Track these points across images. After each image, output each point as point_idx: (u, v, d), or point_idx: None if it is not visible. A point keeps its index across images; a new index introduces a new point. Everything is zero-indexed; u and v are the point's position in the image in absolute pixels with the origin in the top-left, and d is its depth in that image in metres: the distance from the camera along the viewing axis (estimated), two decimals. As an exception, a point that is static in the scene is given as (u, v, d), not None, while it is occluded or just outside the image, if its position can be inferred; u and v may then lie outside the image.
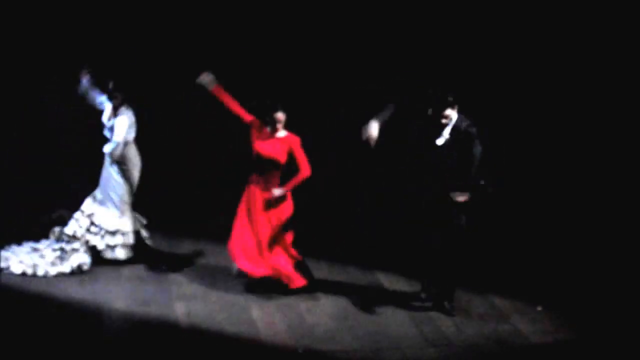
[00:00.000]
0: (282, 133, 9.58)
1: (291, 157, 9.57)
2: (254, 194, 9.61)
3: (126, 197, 10.16)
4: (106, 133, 10.13)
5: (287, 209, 9.63)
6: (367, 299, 9.49)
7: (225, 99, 9.64)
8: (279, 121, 9.54)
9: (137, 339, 8.65)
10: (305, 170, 9.53)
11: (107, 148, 10.04)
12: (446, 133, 9.01)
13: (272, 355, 8.47)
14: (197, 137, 12.02)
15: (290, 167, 9.59)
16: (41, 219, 11.08)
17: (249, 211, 9.63)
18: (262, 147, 9.56)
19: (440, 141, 9.02)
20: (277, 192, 9.55)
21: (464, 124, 8.97)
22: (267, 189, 9.59)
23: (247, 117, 9.62)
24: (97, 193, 10.21)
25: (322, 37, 11.90)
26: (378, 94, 11.94)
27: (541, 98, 11.56)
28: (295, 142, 9.57)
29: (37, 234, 10.46)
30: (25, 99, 11.85)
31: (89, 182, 11.09)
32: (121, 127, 9.94)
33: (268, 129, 9.59)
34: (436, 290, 9.27)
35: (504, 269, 9.95)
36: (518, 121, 11.38)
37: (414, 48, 11.82)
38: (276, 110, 9.53)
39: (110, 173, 10.12)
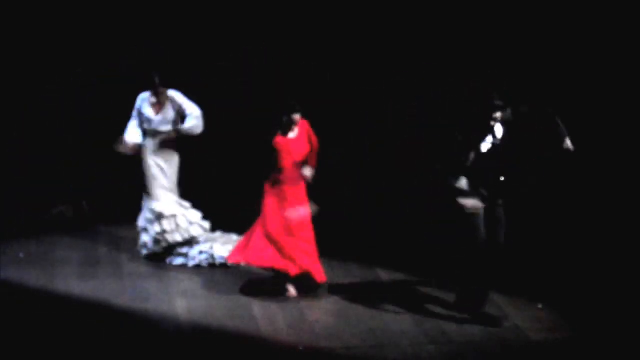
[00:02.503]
0: (296, 131, 9.57)
1: None
2: (285, 193, 9.57)
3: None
4: (153, 127, 10.24)
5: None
6: (367, 296, 9.49)
7: None
8: (296, 122, 9.50)
9: (138, 335, 8.63)
10: (316, 145, 9.58)
11: (189, 124, 10.19)
12: (497, 133, 8.97)
13: (272, 352, 8.46)
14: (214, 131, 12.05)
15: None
16: (42, 214, 11.13)
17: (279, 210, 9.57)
18: (289, 158, 9.49)
19: (487, 144, 8.97)
20: (308, 171, 9.47)
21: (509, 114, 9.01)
22: (287, 185, 9.57)
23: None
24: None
25: (326, 36, 11.94)
26: (378, 94, 12.05)
27: (537, 96, 11.57)
28: (307, 124, 9.58)
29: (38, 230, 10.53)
30: (25, 97, 11.87)
31: (89, 179, 11.17)
32: (188, 102, 10.28)
33: (284, 132, 9.52)
34: (474, 297, 9.13)
35: (504, 267, 9.92)
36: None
37: (416, 48, 11.85)
38: (293, 112, 9.47)
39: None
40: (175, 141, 10.35)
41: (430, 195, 11.07)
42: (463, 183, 8.89)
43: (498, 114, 8.82)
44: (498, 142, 8.91)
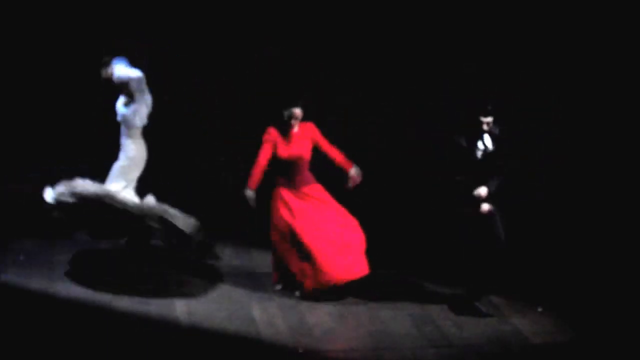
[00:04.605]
0: (296, 128, 9.47)
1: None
2: (293, 200, 9.47)
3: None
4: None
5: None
6: (367, 298, 9.49)
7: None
8: (297, 117, 9.39)
9: (138, 338, 8.63)
10: (329, 147, 9.52)
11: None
12: (486, 141, 9.00)
13: (272, 355, 8.46)
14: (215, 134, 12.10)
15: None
16: (42, 216, 11.11)
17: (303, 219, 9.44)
18: (286, 150, 9.41)
19: (481, 149, 9.00)
20: (354, 172, 9.54)
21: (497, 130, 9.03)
22: (299, 187, 9.48)
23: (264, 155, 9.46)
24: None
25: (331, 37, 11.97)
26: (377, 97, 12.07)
27: (534, 96, 11.59)
28: (313, 128, 9.50)
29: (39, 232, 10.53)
30: (25, 96, 11.90)
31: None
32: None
33: (283, 129, 9.44)
34: (472, 291, 9.22)
35: (504, 270, 9.91)
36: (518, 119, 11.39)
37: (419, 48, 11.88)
38: (295, 106, 9.38)
39: None
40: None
41: (430, 197, 11.10)
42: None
43: (488, 120, 8.87)
44: (490, 150, 8.95)
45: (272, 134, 9.45)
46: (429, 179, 11.26)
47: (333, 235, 9.35)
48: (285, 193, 9.47)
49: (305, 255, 9.29)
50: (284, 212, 9.43)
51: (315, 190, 9.54)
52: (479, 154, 8.98)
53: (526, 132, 11.33)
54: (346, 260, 9.31)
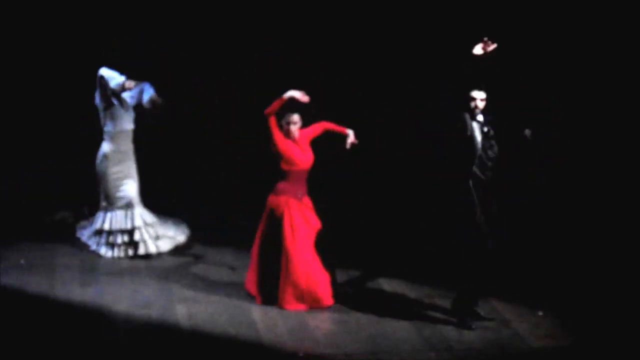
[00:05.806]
0: (297, 134, 9.25)
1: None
2: (295, 210, 9.30)
3: None
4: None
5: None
6: (368, 302, 9.49)
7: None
8: (295, 123, 9.20)
9: (138, 341, 8.64)
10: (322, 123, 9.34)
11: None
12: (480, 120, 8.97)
13: (272, 358, 8.46)
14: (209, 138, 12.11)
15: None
16: (43, 220, 11.14)
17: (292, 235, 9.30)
18: (294, 159, 9.20)
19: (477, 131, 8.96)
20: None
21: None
22: (301, 197, 9.34)
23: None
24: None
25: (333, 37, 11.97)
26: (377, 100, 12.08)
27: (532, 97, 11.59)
28: (305, 131, 9.26)
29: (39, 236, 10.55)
30: (26, 99, 11.91)
31: (90, 185, 11.16)
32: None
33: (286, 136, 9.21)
34: (470, 297, 9.16)
35: (504, 273, 9.94)
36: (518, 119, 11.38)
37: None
38: (292, 111, 9.17)
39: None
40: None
41: (431, 202, 11.11)
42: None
43: (482, 96, 8.81)
44: (488, 131, 8.91)
45: (280, 143, 9.20)
46: (429, 179, 11.29)
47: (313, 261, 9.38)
48: (288, 206, 9.30)
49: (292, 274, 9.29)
50: (284, 229, 9.29)
51: (308, 204, 9.50)
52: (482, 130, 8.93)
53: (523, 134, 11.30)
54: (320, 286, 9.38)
